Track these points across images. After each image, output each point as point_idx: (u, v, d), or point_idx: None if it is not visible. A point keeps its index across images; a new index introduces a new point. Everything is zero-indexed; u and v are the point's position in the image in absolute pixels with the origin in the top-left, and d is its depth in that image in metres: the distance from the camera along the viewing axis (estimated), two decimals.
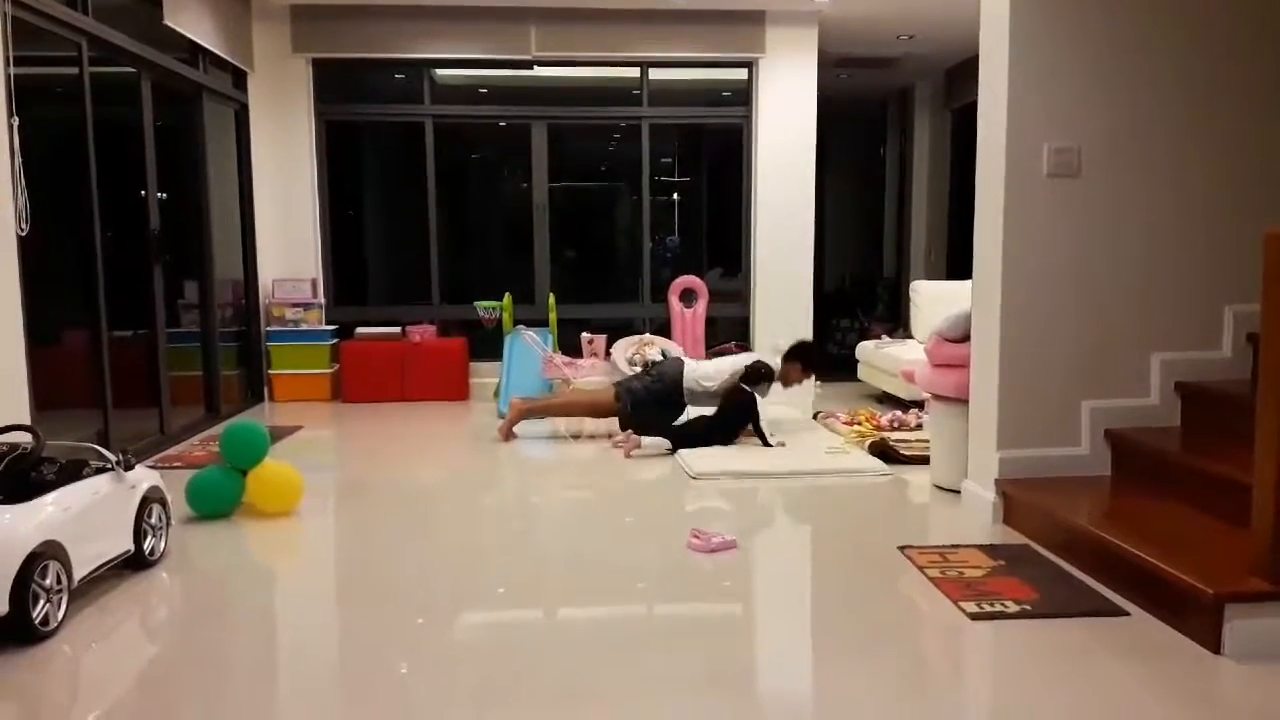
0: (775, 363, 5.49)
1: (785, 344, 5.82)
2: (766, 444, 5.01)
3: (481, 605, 2.95)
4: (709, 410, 5.30)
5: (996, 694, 2.43)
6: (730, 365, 5.48)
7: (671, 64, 7.26)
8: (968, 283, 3.98)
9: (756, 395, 5.15)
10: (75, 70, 4.48)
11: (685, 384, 5.38)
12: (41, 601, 2.59)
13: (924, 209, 9.11)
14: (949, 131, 8.94)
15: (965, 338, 4.03)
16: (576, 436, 5.57)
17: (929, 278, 8.25)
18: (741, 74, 7.31)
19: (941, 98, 8.95)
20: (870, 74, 8.54)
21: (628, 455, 4.92)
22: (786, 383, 5.60)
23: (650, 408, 5.27)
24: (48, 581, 2.61)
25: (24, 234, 3.81)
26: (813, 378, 5.75)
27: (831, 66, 7.89)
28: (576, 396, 5.71)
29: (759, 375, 5.26)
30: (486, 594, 3.04)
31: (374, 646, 2.61)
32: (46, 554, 2.61)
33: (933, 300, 6.44)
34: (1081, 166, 3.64)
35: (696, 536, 3.44)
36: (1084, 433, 3.72)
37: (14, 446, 2.97)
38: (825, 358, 7.18)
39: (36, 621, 2.57)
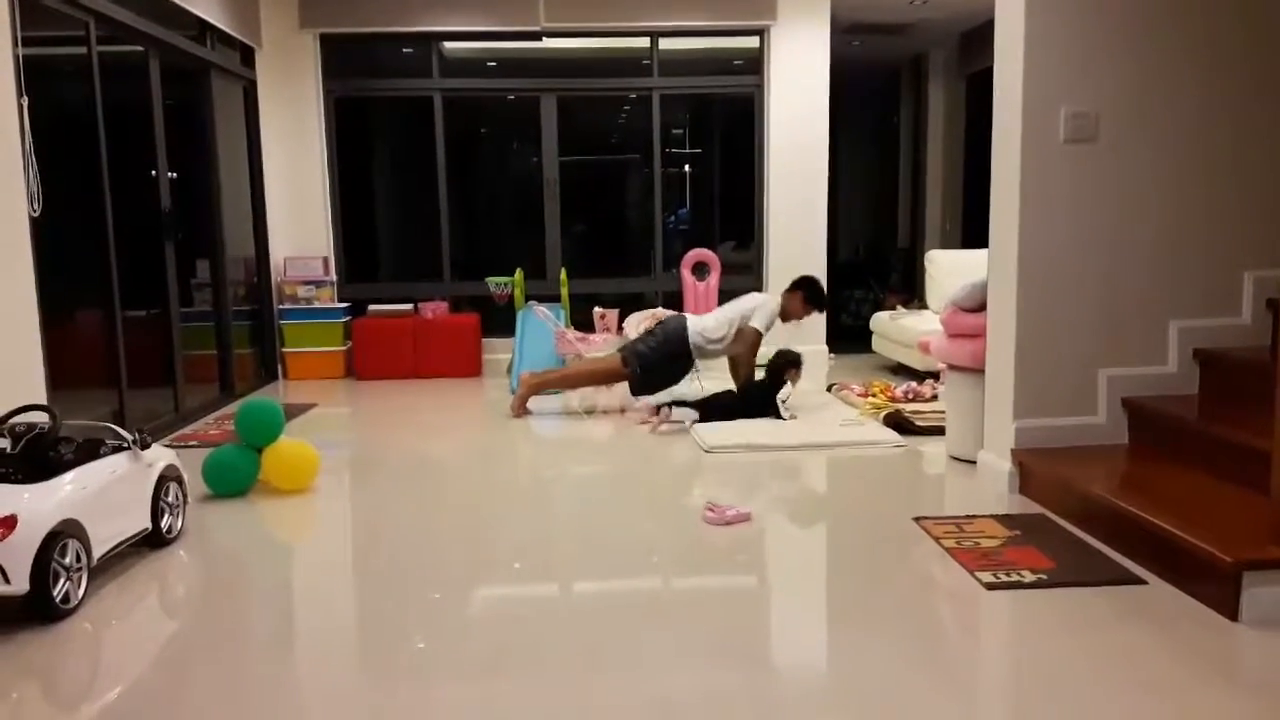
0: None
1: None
2: (779, 416, 4.99)
3: (497, 579, 2.96)
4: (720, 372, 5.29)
5: (1013, 664, 2.43)
6: (729, 313, 5.45)
7: (681, 33, 7.19)
8: (983, 252, 3.94)
9: (781, 390, 5.11)
10: (83, 49, 4.47)
11: (690, 339, 5.35)
12: (61, 579, 2.61)
13: (939, 177, 9.02)
14: (964, 98, 8.83)
15: (981, 307, 4.00)
16: (590, 412, 5.57)
17: (944, 247, 8.19)
18: (753, 42, 7.24)
19: (956, 64, 8.84)
20: (883, 40, 8.43)
21: (655, 431, 4.89)
22: (786, 317, 5.51)
23: (659, 368, 5.25)
24: (67, 560, 2.64)
25: (36, 215, 3.82)
26: (815, 314, 5.61)
27: (844, 33, 7.79)
28: (586, 366, 5.68)
29: (787, 364, 5.20)
30: (502, 568, 3.05)
31: (391, 621, 2.63)
32: (66, 532, 2.63)
33: (948, 270, 6.39)
34: (1099, 132, 3.58)
35: (711, 509, 3.44)
36: (1101, 401, 3.69)
37: (31, 426, 2.98)
38: (828, 319, 7.11)
39: (57, 599, 2.59)
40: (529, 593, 2.86)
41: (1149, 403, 3.60)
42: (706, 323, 5.44)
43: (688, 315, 5.57)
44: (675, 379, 5.45)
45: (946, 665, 2.35)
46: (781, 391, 5.07)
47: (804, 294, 5.53)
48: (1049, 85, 3.56)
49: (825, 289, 5.62)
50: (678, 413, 5.00)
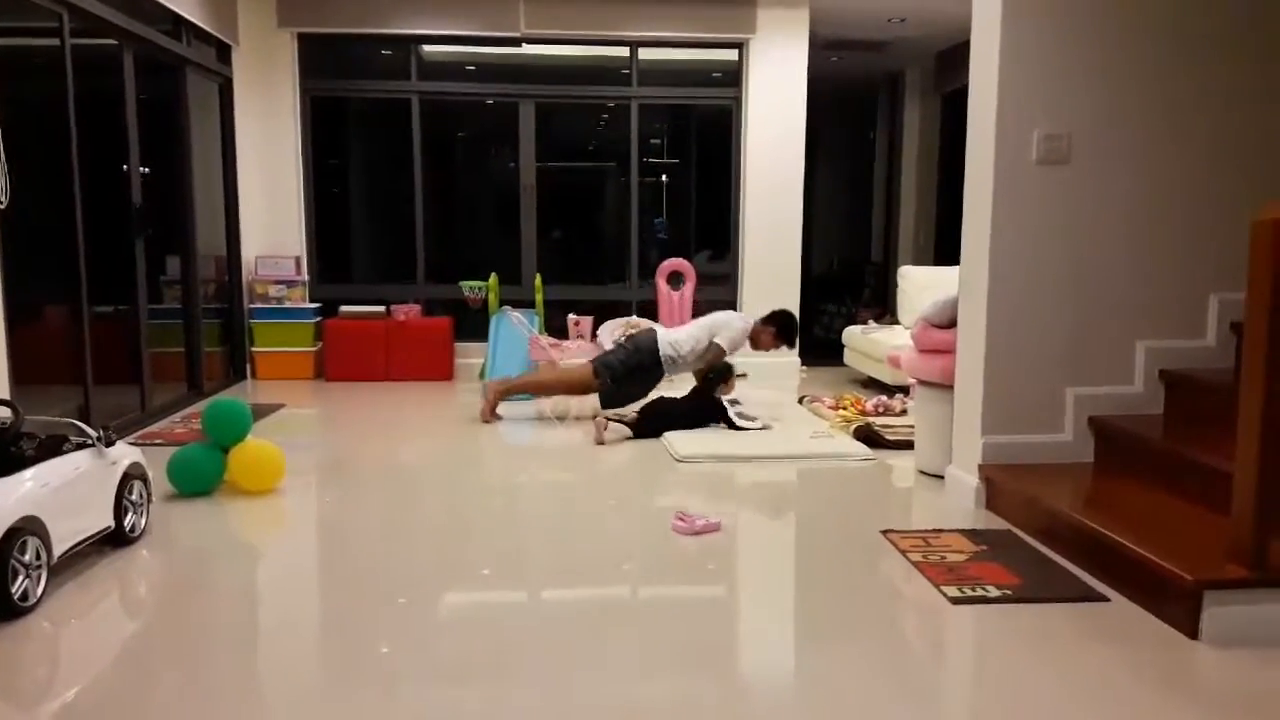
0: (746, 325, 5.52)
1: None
2: (733, 426, 4.96)
3: (464, 585, 2.95)
4: (684, 381, 5.31)
5: (976, 677, 2.45)
6: (700, 328, 5.48)
7: (661, 43, 7.22)
8: (955, 269, 3.98)
9: (723, 400, 5.10)
10: (56, 42, 4.41)
11: (661, 351, 5.38)
12: (20, 577, 2.57)
13: (913, 194, 9.11)
14: (939, 116, 8.93)
15: (952, 324, 4.03)
16: (562, 418, 5.56)
17: (917, 263, 8.26)
18: (732, 55, 7.27)
19: (931, 82, 8.94)
20: (861, 57, 8.51)
21: (599, 441, 4.83)
22: (756, 345, 5.59)
23: (630, 380, 5.26)
24: (27, 557, 2.59)
25: (3, 207, 3.76)
26: (784, 348, 5.69)
27: (822, 49, 7.86)
28: (556, 374, 5.67)
29: (717, 378, 5.18)
30: (469, 574, 3.03)
31: (356, 625, 2.61)
32: (25, 529, 2.59)
33: (920, 286, 6.45)
34: (1071, 154, 3.63)
35: (681, 519, 3.44)
36: (1068, 419, 3.73)
37: None
38: (801, 332, 7.09)
39: (15, 597, 2.55)
40: (497, 599, 2.85)
41: (1115, 422, 3.64)
42: (678, 335, 5.47)
43: (658, 328, 5.60)
44: (645, 392, 5.46)
45: (910, 679, 2.36)
46: (734, 408, 5.06)
47: (775, 329, 5.65)
48: (1023, 107, 3.60)
49: (798, 326, 5.74)
50: (615, 425, 4.98)
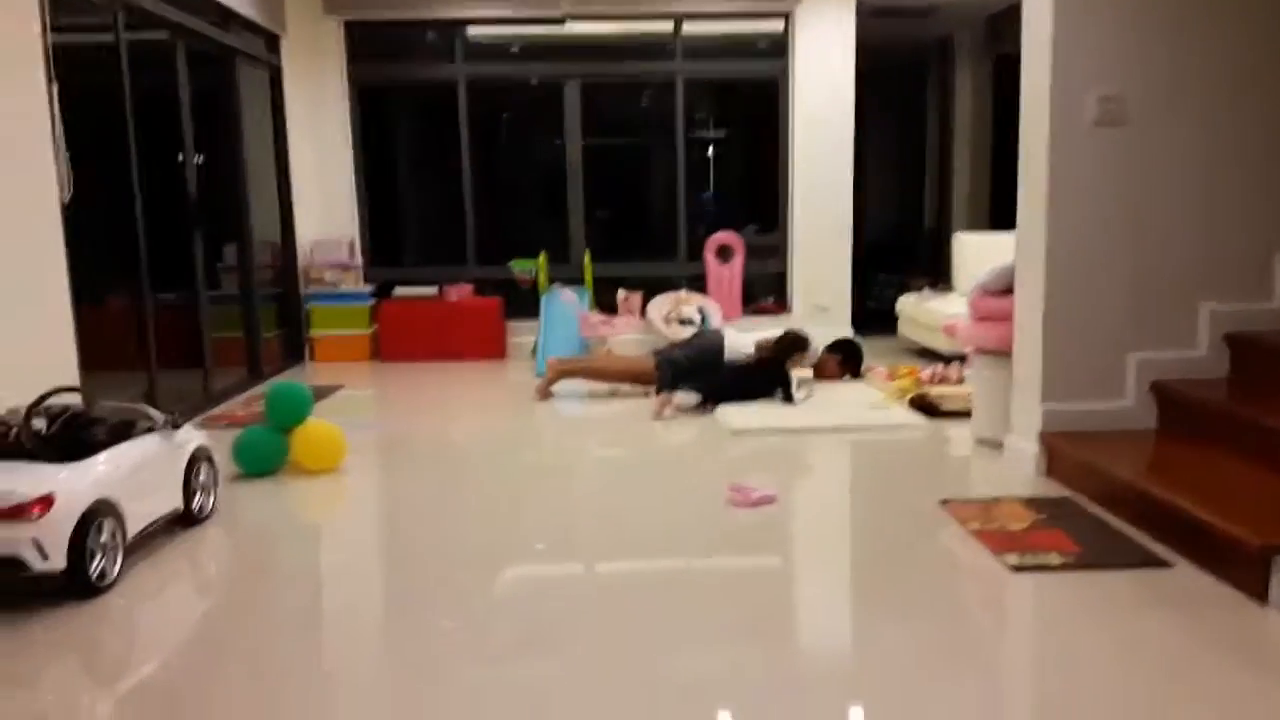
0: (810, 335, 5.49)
1: (827, 303, 5.78)
2: (790, 399, 4.97)
3: (521, 560, 2.99)
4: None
5: (1039, 646, 2.43)
6: (766, 336, 5.46)
7: (705, 16, 7.15)
8: (1011, 234, 3.90)
9: (789, 372, 5.10)
10: (111, 37, 4.51)
11: (726, 355, 5.36)
12: (98, 557, 2.66)
13: (966, 159, 8.93)
14: (991, 80, 8.73)
15: (1008, 290, 3.97)
16: (614, 394, 5.58)
17: (972, 229, 8.11)
18: (777, 25, 7.19)
19: (982, 46, 8.74)
20: (909, 23, 8.33)
21: (659, 417, 4.85)
22: (820, 374, 5.55)
23: (690, 377, 5.26)
24: (103, 538, 2.68)
25: (67, 200, 3.86)
26: (847, 377, 5.68)
27: (869, 15, 7.72)
28: (616, 363, 5.71)
29: (792, 347, 5.21)
30: (526, 549, 3.07)
31: (418, 601, 2.66)
32: (101, 511, 2.67)
33: (975, 252, 6.34)
34: (1128, 115, 3.54)
35: (736, 491, 3.45)
36: (1129, 385, 3.66)
37: (66, 407, 3.03)
38: (854, 303, 7.02)
39: (93, 576, 2.64)
40: (555, 573, 2.89)
41: (1178, 386, 3.57)
42: (743, 339, 5.44)
43: (726, 331, 5.59)
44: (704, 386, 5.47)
45: (971, 647, 2.35)
46: (795, 378, 5.04)
47: (840, 358, 5.65)
48: (1077, 68, 3.52)
49: (862, 356, 5.73)
50: (680, 396, 4.98)
